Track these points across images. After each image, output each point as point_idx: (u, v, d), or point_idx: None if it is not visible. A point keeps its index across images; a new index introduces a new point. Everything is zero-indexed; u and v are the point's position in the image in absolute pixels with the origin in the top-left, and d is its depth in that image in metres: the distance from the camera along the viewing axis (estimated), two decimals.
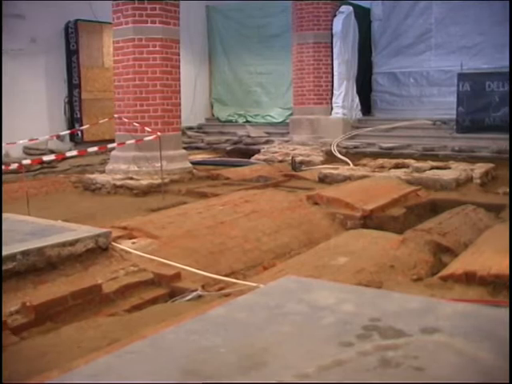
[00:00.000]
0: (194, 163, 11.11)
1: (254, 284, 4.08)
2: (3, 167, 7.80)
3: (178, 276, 4.70)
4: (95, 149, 9.03)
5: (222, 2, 16.70)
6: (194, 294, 4.40)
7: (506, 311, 3.01)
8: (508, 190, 8.74)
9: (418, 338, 2.15)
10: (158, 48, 9.85)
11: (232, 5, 16.48)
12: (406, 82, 14.79)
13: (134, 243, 5.26)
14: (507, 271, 4.21)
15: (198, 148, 14.39)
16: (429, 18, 14.38)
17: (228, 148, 14.32)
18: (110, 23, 10.48)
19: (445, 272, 4.49)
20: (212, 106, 17.25)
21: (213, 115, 17.16)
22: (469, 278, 4.23)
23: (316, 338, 2.13)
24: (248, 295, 2.59)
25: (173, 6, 10.05)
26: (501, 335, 2.23)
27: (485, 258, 4.60)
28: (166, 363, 1.83)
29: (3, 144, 10.09)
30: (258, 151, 13.07)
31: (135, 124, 9.81)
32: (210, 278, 4.72)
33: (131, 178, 9.33)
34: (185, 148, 11.23)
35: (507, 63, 13.13)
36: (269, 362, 1.89)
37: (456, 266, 4.54)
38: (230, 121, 16.47)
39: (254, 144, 14.11)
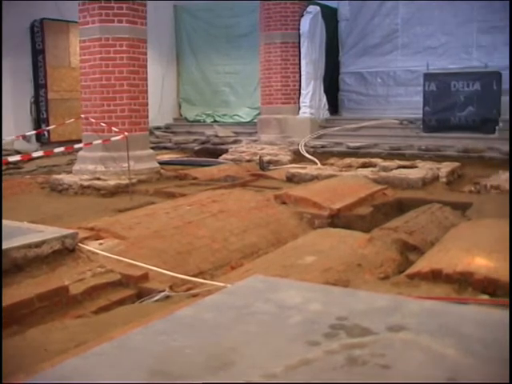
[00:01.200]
0: (162, 163, 11.07)
1: (222, 284, 4.08)
2: None
3: (145, 277, 4.68)
4: (62, 149, 8.95)
5: (189, 2, 16.65)
6: (162, 294, 4.38)
7: (471, 308, 3.05)
8: (473, 188, 8.86)
9: (384, 336, 2.16)
10: (124, 48, 9.79)
11: (200, 4, 16.44)
12: (373, 81, 14.88)
13: (101, 244, 5.23)
14: (472, 268, 4.25)
15: (165, 148, 14.35)
16: (395, 19, 14.49)
17: (196, 148, 14.29)
18: (77, 22, 10.38)
19: (411, 270, 4.52)
20: (180, 106, 17.19)
21: (181, 115, 17.12)
22: (435, 276, 4.27)
23: (283, 337, 2.13)
24: (215, 295, 2.58)
25: (140, 5, 9.99)
26: (466, 332, 2.25)
27: (451, 255, 4.65)
28: (134, 364, 1.82)
29: None
30: (226, 151, 13.07)
31: (102, 124, 9.74)
32: (178, 278, 4.71)
33: (98, 179, 9.26)
34: (152, 148, 11.18)
35: (472, 63, 13.33)
36: (236, 361, 1.89)
37: (422, 264, 4.58)
38: (198, 120, 16.44)
39: (221, 144, 14.10)
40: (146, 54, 10.26)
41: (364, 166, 10.25)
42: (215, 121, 16.15)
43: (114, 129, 9.55)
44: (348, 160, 10.86)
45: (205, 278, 4.84)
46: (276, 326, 2.22)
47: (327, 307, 2.39)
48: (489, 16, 13.41)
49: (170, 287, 4.52)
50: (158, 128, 15.52)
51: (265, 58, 14.23)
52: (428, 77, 12.90)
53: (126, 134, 9.22)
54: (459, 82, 12.57)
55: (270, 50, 14.10)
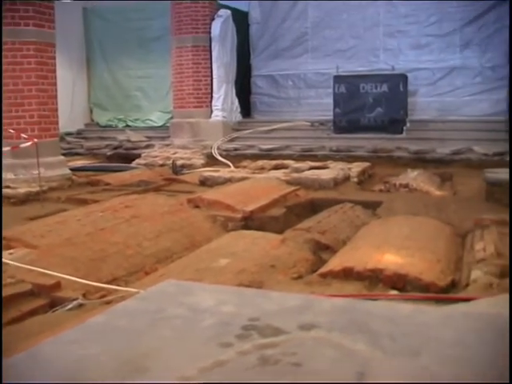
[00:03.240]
0: (74, 169, 10.89)
1: (136, 290, 4.05)
2: None
3: (57, 285, 4.59)
4: None
5: (99, 4, 16.36)
6: (75, 302, 4.31)
7: (381, 303, 3.13)
8: (383, 187, 9.09)
9: (296, 335, 2.19)
10: (32, 52, 9.57)
11: (110, 7, 16.18)
12: (284, 84, 15.02)
13: (11, 254, 5.10)
14: (382, 265, 4.37)
15: (77, 154, 14.11)
16: (305, 22, 14.67)
17: (108, 153, 14.12)
18: None
19: (324, 269, 4.60)
20: (91, 111, 16.91)
21: (92, 120, 16.84)
22: (347, 274, 4.36)
23: (196, 340, 2.14)
24: (128, 301, 2.57)
25: (47, 7, 9.76)
26: (375, 327, 2.31)
27: (361, 253, 4.75)
28: (45, 375, 1.80)
29: None
30: (139, 156, 12.96)
31: (10, 131, 9.49)
32: (91, 285, 4.64)
33: (8, 187, 9.02)
34: (64, 154, 10.99)
35: (380, 66, 13.67)
36: (150, 367, 1.89)
37: (334, 263, 4.67)
38: (110, 126, 16.23)
39: (134, 148, 13.97)
40: (54, 58, 10.06)
41: (276, 167, 10.35)
42: (127, 125, 15.97)
43: (22, 135, 9.32)
44: (261, 162, 10.95)
45: (119, 285, 4.79)
46: (189, 329, 2.23)
47: (240, 309, 2.42)
48: (394, 20, 13.78)
49: (84, 295, 4.45)
50: (69, 134, 15.23)
51: (176, 61, 14.20)
52: (338, 79, 13.16)
53: (35, 140, 9.02)
54: (368, 84, 12.88)
55: (182, 54, 14.07)
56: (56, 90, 10.15)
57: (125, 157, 13.54)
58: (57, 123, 10.21)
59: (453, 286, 4.36)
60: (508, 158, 9.64)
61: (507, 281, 4.09)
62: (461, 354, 2.16)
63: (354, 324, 2.27)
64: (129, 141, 14.46)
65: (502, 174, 8.13)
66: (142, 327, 2.20)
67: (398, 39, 13.79)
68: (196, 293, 2.58)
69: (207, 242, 5.83)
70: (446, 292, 4.17)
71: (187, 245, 5.93)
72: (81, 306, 4.30)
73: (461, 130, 11.95)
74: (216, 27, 13.88)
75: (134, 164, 12.26)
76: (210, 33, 13.93)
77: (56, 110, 10.14)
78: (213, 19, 13.97)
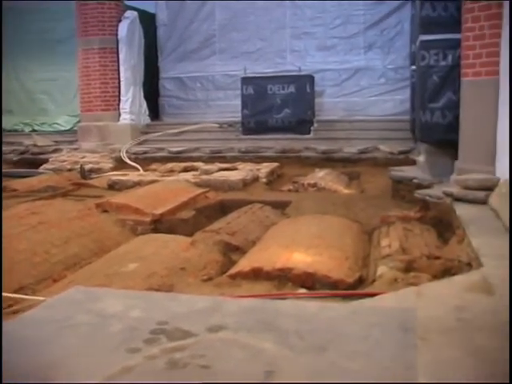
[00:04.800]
0: None
1: (43, 298, 3.96)
2: None
3: None
4: None
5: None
6: None
7: (289, 302, 3.17)
8: (292, 187, 9.20)
9: (204, 337, 2.21)
10: None
11: (12, 7, 15.70)
12: (192, 86, 14.98)
13: None
14: (291, 264, 4.42)
15: None
16: (212, 24, 14.67)
17: (14, 158, 13.73)
18: None
19: (233, 270, 4.62)
20: None
21: None
22: (256, 274, 4.39)
23: (104, 347, 2.13)
24: (34, 310, 2.53)
25: None
26: (283, 326, 2.34)
27: (270, 253, 4.80)
28: None
29: None
30: (47, 160, 12.67)
31: None
32: None
33: None
34: None
35: (287, 67, 13.82)
36: (56, 376, 1.87)
37: (244, 264, 4.70)
38: (16, 130, 15.76)
39: (41, 153, 13.64)
40: None
41: (186, 170, 10.33)
42: (34, 130, 15.56)
43: None
44: (170, 165, 10.91)
45: (26, 293, 4.67)
46: (97, 336, 2.21)
47: (148, 313, 2.41)
48: (300, 23, 13.97)
49: None
50: None
51: (83, 64, 13.95)
52: (245, 81, 13.22)
53: None
54: (275, 86, 13.00)
55: (88, 56, 13.84)
56: None
57: (32, 162, 13.19)
58: None
59: (361, 282, 4.46)
60: (412, 156, 9.92)
61: (412, 275, 4.21)
62: (367, 348, 2.22)
63: (262, 323, 2.30)
64: (36, 145, 14.11)
65: (406, 172, 8.38)
66: (49, 336, 2.17)
67: (304, 41, 13.97)
68: (104, 299, 2.56)
69: (116, 246, 5.76)
70: (354, 288, 4.25)
71: (96, 250, 5.84)
72: None
73: (367, 130, 12.22)
74: (123, 29, 13.71)
75: (41, 169, 11.98)
76: (116, 35, 13.74)
77: None
78: (119, 21, 13.79)
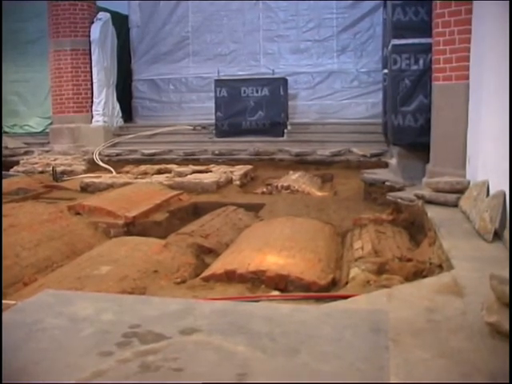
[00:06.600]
0: None
1: (13, 302, 3.93)
2: None
3: None
4: None
5: None
6: None
7: (261, 304, 3.18)
8: (265, 189, 9.21)
9: (177, 340, 2.20)
10: None
11: None
12: (165, 88, 14.97)
13: None
14: (264, 267, 4.43)
15: None
16: (186, 26, 14.66)
17: None
18: None
19: (206, 273, 4.62)
20: None
21: None
22: (229, 277, 4.39)
23: (75, 350, 2.12)
24: (4, 314, 2.50)
25: None
26: (255, 328, 2.34)
27: (244, 255, 4.80)
28: None
29: None
30: (17, 163, 12.56)
31: None
32: None
33: None
34: None
35: (260, 70, 13.87)
36: (28, 381, 1.86)
37: (217, 266, 4.70)
38: None
39: (12, 156, 13.52)
40: None
41: (159, 172, 10.31)
42: (4, 132, 15.42)
43: None
44: (143, 167, 10.88)
45: None
46: (68, 340, 2.20)
47: (120, 316, 2.40)
48: (274, 25, 14.03)
49: None
50: None
51: (55, 65, 13.88)
52: (219, 83, 13.24)
53: None
54: (249, 88, 13.03)
55: (60, 58, 13.77)
56: None
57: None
58: None
59: (334, 284, 4.48)
60: (385, 159, 10.00)
61: (384, 277, 4.24)
62: (339, 349, 2.24)
63: (234, 326, 2.31)
64: (6, 148, 13.99)
65: (379, 174, 8.44)
66: (19, 341, 2.15)
67: (277, 44, 14.05)
68: (75, 302, 2.55)
69: (89, 249, 5.72)
70: (327, 290, 4.27)
71: (68, 253, 5.79)
72: None
73: (340, 133, 12.30)
74: (95, 30, 13.66)
75: (11, 171, 11.86)
76: (89, 36, 13.69)
77: None
78: (92, 22, 13.75)
